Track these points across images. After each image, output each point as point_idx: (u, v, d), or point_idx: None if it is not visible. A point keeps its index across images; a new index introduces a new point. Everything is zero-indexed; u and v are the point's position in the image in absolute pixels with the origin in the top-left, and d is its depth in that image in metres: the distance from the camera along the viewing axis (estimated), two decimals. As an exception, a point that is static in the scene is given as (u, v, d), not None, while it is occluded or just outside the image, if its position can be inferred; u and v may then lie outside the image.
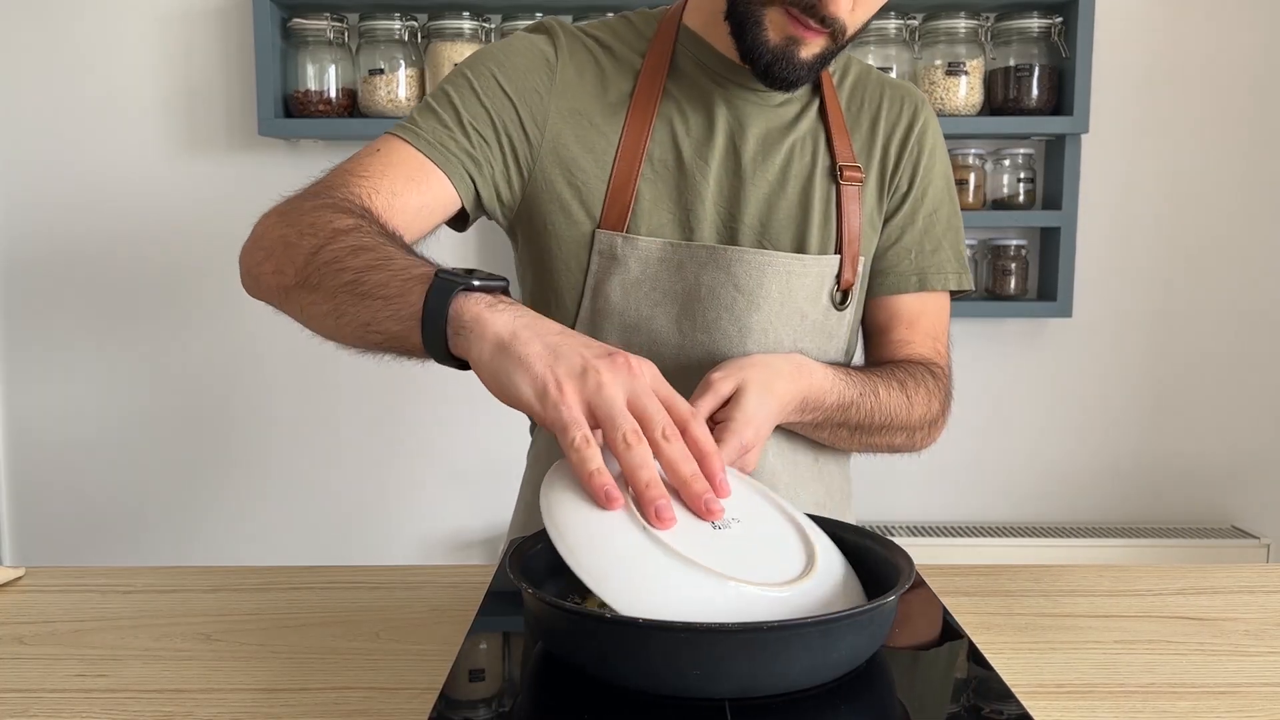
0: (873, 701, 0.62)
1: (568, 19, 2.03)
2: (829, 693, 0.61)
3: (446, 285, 0.70)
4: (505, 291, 0.73)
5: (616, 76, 0.99)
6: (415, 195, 0.91)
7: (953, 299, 1.10)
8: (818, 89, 1.03)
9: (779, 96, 1.00)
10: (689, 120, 0.99)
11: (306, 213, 0.81)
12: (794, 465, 1.03)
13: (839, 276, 1.01)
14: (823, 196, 1.00)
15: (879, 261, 1.06)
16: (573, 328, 0.98)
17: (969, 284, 1.08)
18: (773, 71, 0.92)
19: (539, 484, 1.08)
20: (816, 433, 0.99)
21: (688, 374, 0.98)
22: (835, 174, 1.01)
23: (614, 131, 0.97)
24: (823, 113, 1.02)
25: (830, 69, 1.04)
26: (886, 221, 1.05)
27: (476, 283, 0.70)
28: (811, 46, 0.90)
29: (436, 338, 0.70)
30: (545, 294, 1.02)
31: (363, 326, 0.75)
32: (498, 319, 0.68)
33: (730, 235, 0.99)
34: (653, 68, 0.98)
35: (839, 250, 1.01)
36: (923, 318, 1.07)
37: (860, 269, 1.03)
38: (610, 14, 1.04)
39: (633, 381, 0.65)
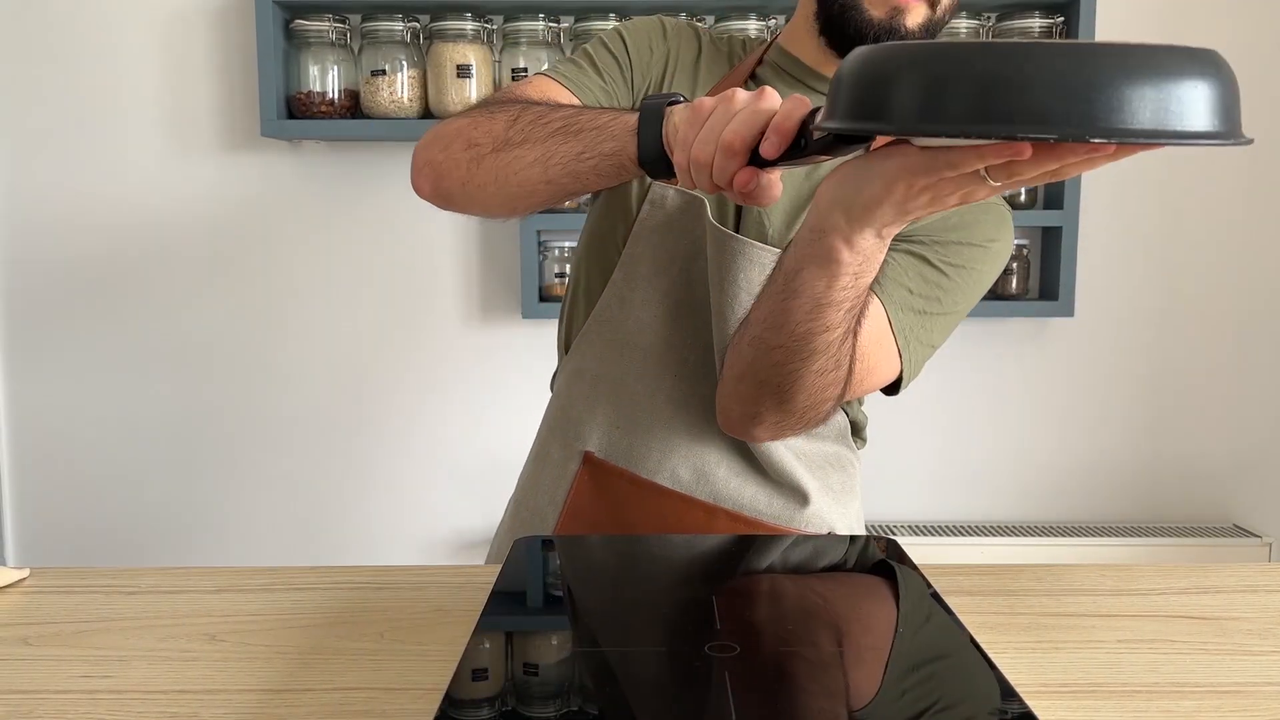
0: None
1: (569, 20, 2.05)
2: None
3: (654, 104, 0.82)
4: None
5: (708, 65, 1.06)
6: None
7: (890, 390, 1.02)
8: None
9: None
10: None
11: (487, 104, 0.94)
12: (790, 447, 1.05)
13: None
14: None
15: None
16: (616, 263, 1.05)
17: (912, 372, 0.99)
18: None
19: (535, 485, 1.11)
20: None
21: (690, 320, 1.02)
22: None
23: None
24: None
25: None
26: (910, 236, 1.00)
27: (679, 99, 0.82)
28: (915, 14, 0.95)
29: (652, 143, 0.80)
30: (601, 225, 1.08)
31: (575, 157, 0.86)
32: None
33: (742, 213, 1.01)
34: (737, 72, 1.05)
35: None
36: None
37: None
38: (634, 17, 1.13)
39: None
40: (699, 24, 1.14)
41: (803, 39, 1.03)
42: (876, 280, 0.93)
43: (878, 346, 0.94)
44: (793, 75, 1.04)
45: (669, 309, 1.03)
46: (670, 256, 1.02)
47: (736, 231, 0.99)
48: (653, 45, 1.06)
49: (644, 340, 1.04)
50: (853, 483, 1.14)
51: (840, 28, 0.97)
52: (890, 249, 0.98)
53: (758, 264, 0.97)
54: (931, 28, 0.98)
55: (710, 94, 0.98)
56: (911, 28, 0.96)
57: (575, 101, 1.00)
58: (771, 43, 1.08)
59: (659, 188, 1.01)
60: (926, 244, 0.99)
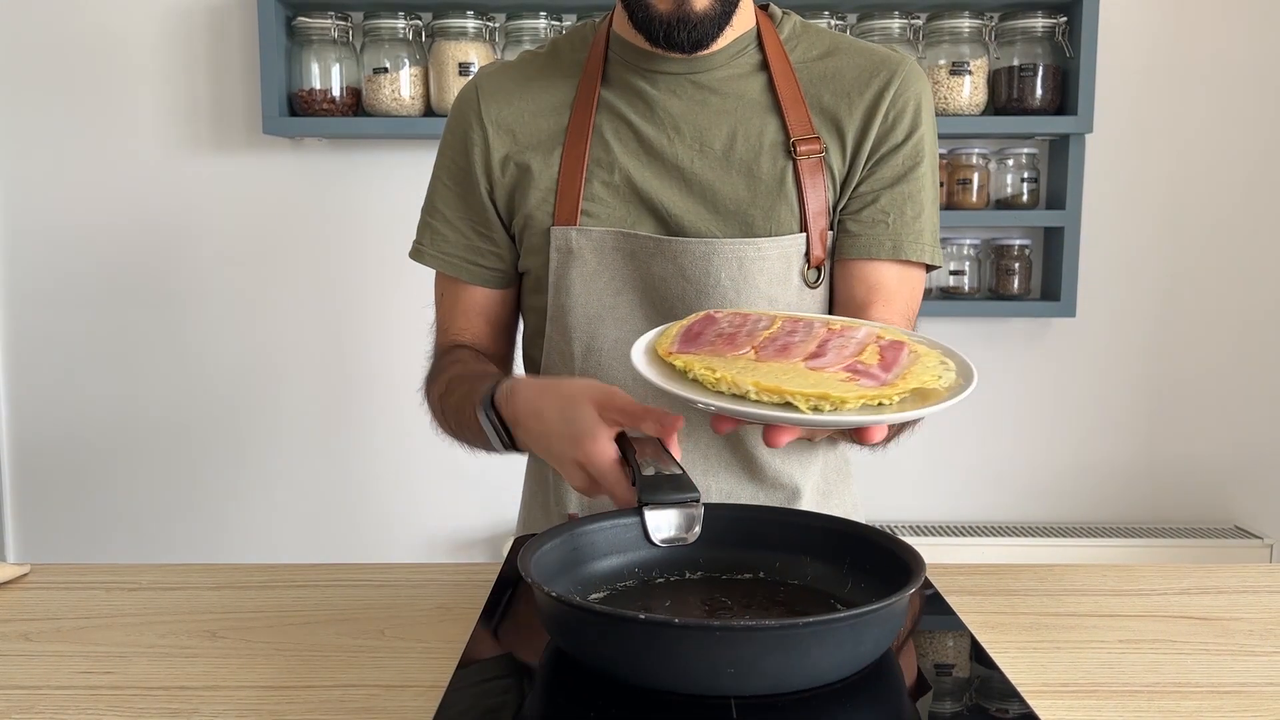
0: (879, 698, 0.62)
1: (571, 18, 2.05)
2: (836, 692, 0.61)
3: (483, 410, 0.93)
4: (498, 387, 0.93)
5: (554, 90, 1.03)
6: (473, 316, 1.10)
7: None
8: (765, 64, 1.00)
9: (714, 75, 0.99)
10: (624, 118, 1.00)
11: (433, 400, 1.09)
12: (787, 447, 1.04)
13: (808, 254, 0.99)
14: (775, 174, 0.98)
15: (851, 222, 1.00)
16: (544, 325, 1.05)
17: (940, 260, 1.02)
18: (674, 36, 0.93)
19: (540, 478, 1.11)
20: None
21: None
22: (789, 149, 0.98)
23: (556, 140, 1.01)
24: (772, 87, 0.99)
25: (783, 36, 1.02)
26: (861, 183, 1.00)
27: (491, 400, 0.92)
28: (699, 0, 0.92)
29: (504, 446, 0.95)
30: (530, 299, 1.08)
31: (488, 448, 0.98)
32: (517, 429, 0.91)
33: (679, 223, 0.98)
34: (589, 75, 1.02)
35: (804, 228, 0.98)
36: (899, 295, 1.01)
37: (828, 243, 1.00)
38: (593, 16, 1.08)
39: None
40: (505, 59, 1.10)
41: (629, 24, 0.98)
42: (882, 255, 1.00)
43: (912, 295, 1.01)
44: (637, 65, 1.00)
45: (610, 349, 1.02)
46: (590, 296, 1.01)
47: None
48: (475, 139, 1.03)
49: None
50: (849, 468, 1.13)
51: (638, 22, 0.95)
52: (865, 227, 1.00)
53: (734, 258, 0.96)
54: (728, 4, 0.94)
55: (576, 102, 1.01)
56: (700, 11, 0.92)
57: (461, 287, 1.09)
58: (609, 29, 1.03)
59: (560, 233, 0.99)
60: (877, 197, 0.99)
